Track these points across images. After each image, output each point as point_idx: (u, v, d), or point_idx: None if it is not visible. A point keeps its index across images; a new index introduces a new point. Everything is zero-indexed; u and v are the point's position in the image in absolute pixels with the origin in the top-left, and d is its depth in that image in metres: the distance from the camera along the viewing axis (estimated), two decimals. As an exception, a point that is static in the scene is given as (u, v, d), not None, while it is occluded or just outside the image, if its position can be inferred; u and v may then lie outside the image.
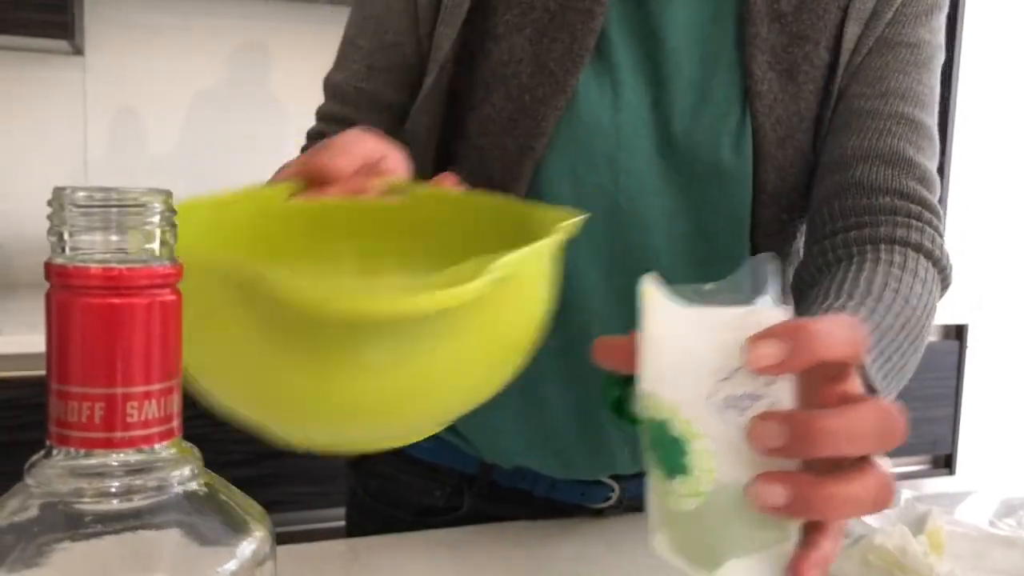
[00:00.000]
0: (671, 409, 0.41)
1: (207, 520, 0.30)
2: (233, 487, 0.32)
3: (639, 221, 0.71)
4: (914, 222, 0.66)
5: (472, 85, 0.72)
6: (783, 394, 0.40)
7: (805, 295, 0.67)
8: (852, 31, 0.71)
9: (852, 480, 0.39)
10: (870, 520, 0.75)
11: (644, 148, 0.71)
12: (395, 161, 0.59)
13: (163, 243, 0.29)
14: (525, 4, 0.70)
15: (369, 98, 0.78)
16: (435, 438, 0.82)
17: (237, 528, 0.30)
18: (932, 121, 0.72)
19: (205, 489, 0.30)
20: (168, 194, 0.30)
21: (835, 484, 0.39)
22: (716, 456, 0.41)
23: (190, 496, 0.30)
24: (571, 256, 0.71)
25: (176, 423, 0.30)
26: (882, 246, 0.64)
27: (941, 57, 0.75)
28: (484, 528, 0.79)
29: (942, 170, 2.16)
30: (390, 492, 0.87)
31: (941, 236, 0.67)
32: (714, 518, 0.41)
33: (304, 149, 0.84)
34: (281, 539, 0.79)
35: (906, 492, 0.85)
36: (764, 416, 0.39)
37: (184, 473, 0.30)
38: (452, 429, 0.81)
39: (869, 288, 0.59)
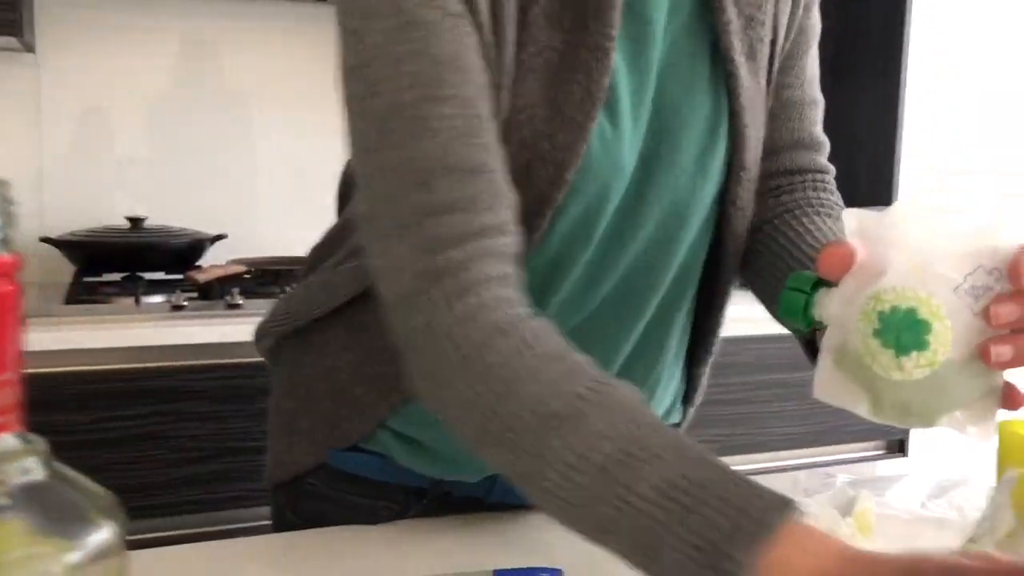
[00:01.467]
0: (922, 298, 0.54)
1: (51, 512, 0.30)
2: (83, 479, 0.31)
3: (617, 234, 0.71)
4: (825, 185, 0.83)
5: None
6: (1006, 285, 0.54)
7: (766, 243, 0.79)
8: (784, 9, 0.76)
9: None
10: (800, 504, 0.76)
11: (631, 163, 0.69)
12: None
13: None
14: (540, 43, 0.64)
15: (501, 179, 0.62)
16: (382, 458, 0.78)
17: (83, 520, 0.30)
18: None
19: (49, 481, 0.30)
20: (6, 184, 0.29)
21: None
22: (953, 332, 0.54)
23: (33, 488, 0.29)
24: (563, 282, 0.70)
25: (16, 415, 0.29)
26: (808, 207, 0.80)
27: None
28: (423, 521, 0.79)
29: (892, 157, 2.17)
30: (328, 514, 0.80)
31: (835, 189, 0.85)
32: (942, 381, 0.55)
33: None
34: (246, 533, 0.78)
35: (842, 476, 0.86)
36: (1001, 299, 0.53)
37: (26, 465, 0.29)
38: (411, 459, 0.78)
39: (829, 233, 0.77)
